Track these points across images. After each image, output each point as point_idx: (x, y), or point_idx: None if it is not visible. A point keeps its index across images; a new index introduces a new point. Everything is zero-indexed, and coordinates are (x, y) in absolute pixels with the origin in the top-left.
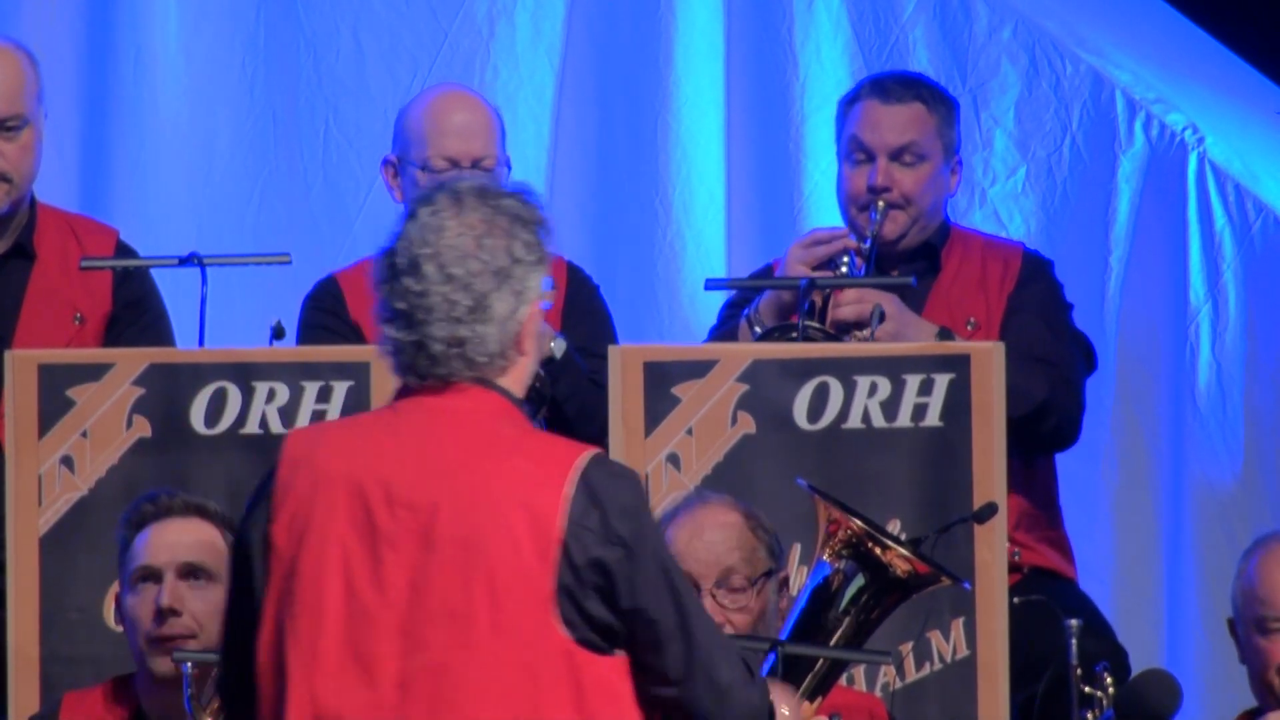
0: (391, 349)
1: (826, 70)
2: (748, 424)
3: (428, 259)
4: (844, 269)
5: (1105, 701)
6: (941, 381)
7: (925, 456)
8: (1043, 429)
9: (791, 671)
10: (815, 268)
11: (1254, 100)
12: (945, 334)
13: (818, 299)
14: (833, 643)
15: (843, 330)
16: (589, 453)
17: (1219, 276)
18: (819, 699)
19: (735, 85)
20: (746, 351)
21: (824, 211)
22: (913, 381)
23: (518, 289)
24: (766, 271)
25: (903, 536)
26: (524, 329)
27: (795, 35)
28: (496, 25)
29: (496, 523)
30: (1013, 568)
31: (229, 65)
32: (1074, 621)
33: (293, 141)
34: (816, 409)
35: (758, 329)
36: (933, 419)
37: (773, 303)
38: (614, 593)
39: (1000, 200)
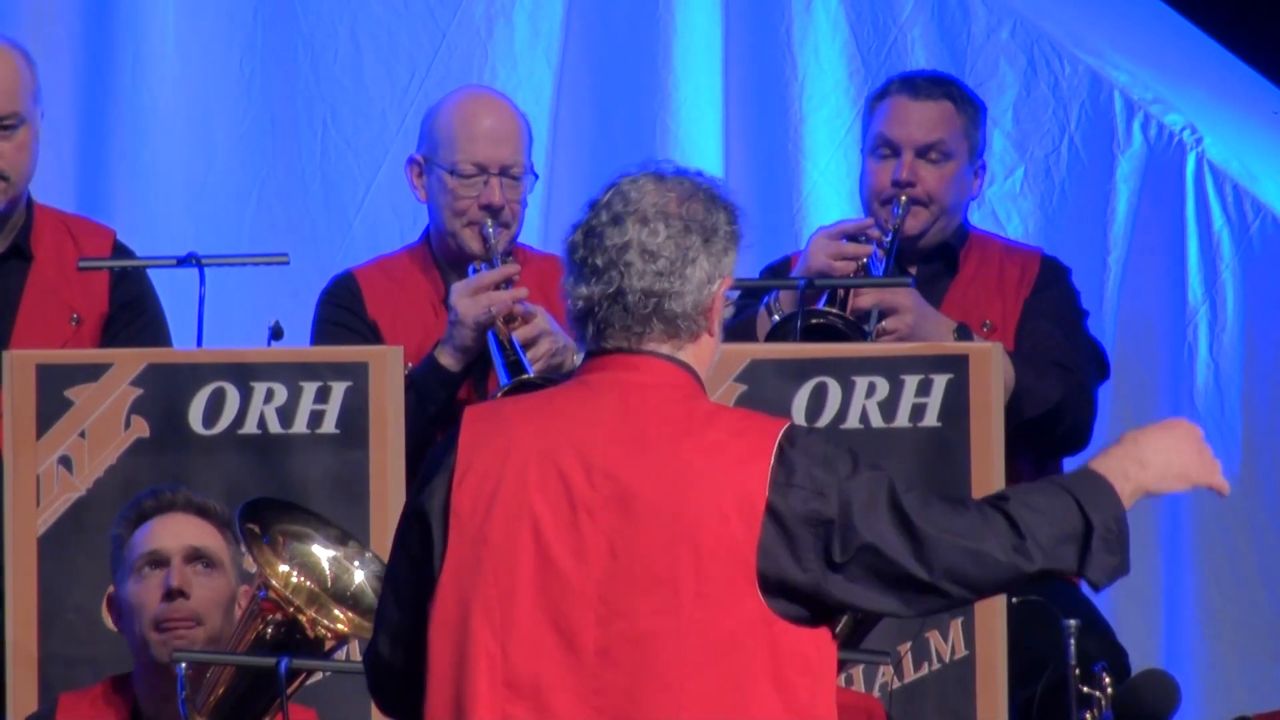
0: (582, 309)
1: (825, 70)
2: None
3: (629, 215)
4: (864, 262)
5: (1104, 702)
6: (940, 382)
7: (923, 457)
8: (1056, 432)
9: None
10: (837, 259)
11: (1252, 100)
12: (963, 330)
13: (840, 290)
14: None
15: (862, 319)
16: (786, 423)
17: (1217, 277)
18: None
19: (733, 86)
20: (744, 352)
21: (822, 212)
22: (911, 382)
23: (715, 255)
24: (784, 264)
25: None
26: (714, 303)
27: (793, 35)
28: (494, 26)
29: (700, 494)
30: None
31: (227, 65)
32: (1072, 621)
33: (290, 142)
34: (815, 409)
35: (777, 316)
36: (931, 419)
37: (793, 290)
38: (831, 543)
39: (998, 200)
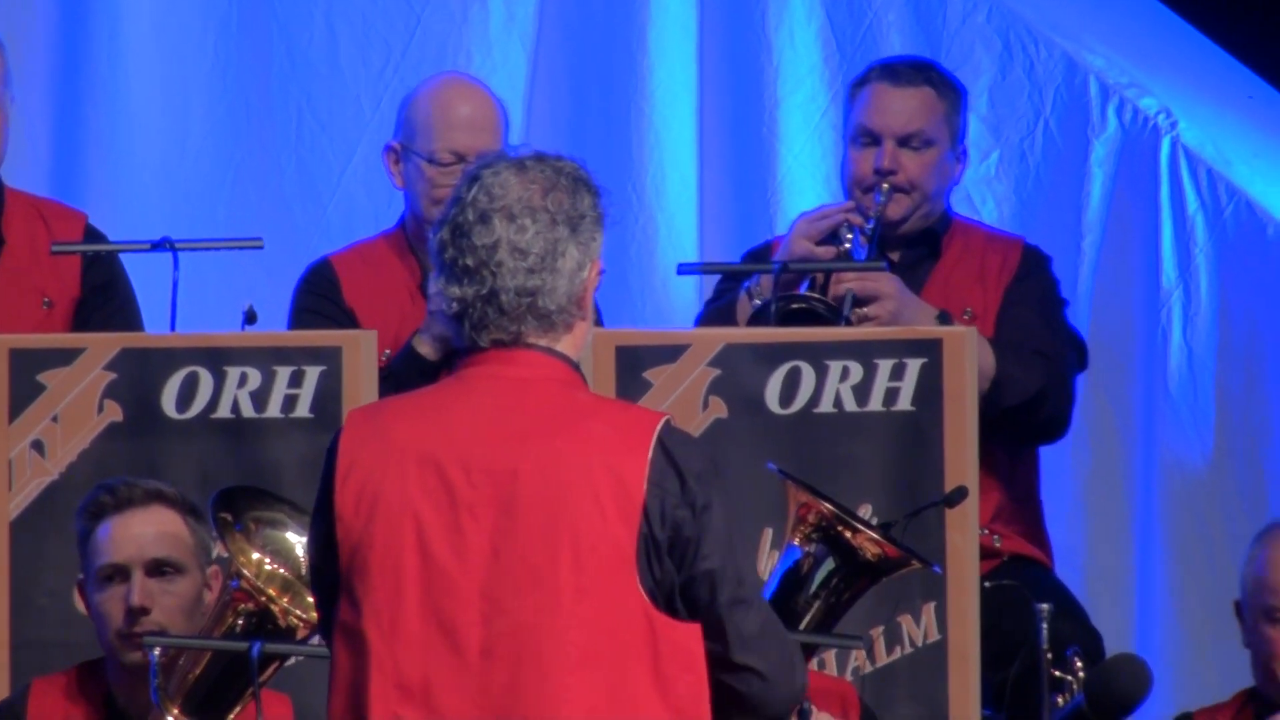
0: (457, 310)
1: (800, 55)
2: (719, 408)
3: (496, 212)
4: (847, 245)
5: (1076, 686)
6: (914, 366)
7: (897, 441)
8: (1036, 420)
9: None
10: (819, 242)
11: (1227, 85)
12: (945, 318)
13: (819, 279)
14: (803, 627)
15: (841, 304)
16: (663, 418)
17: (1191, 261)
18: None
19: (708, 70)
20: (718, 336)
21: (797, 196)
22: (885, 366)
23: (583, 243)
24: (766, 249)
25: (874, 521)
26: (587, 288)
27: (768, 20)
28: (470, 10)
29: (579, 487)
30: (992, 553)
31: (202, 50)
32: (1045, 606)
33: (265, 126)
34: (788, 393)
35: (758, 301)
36: (904, 404)
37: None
38: (685, 555)
39: (973, 185)
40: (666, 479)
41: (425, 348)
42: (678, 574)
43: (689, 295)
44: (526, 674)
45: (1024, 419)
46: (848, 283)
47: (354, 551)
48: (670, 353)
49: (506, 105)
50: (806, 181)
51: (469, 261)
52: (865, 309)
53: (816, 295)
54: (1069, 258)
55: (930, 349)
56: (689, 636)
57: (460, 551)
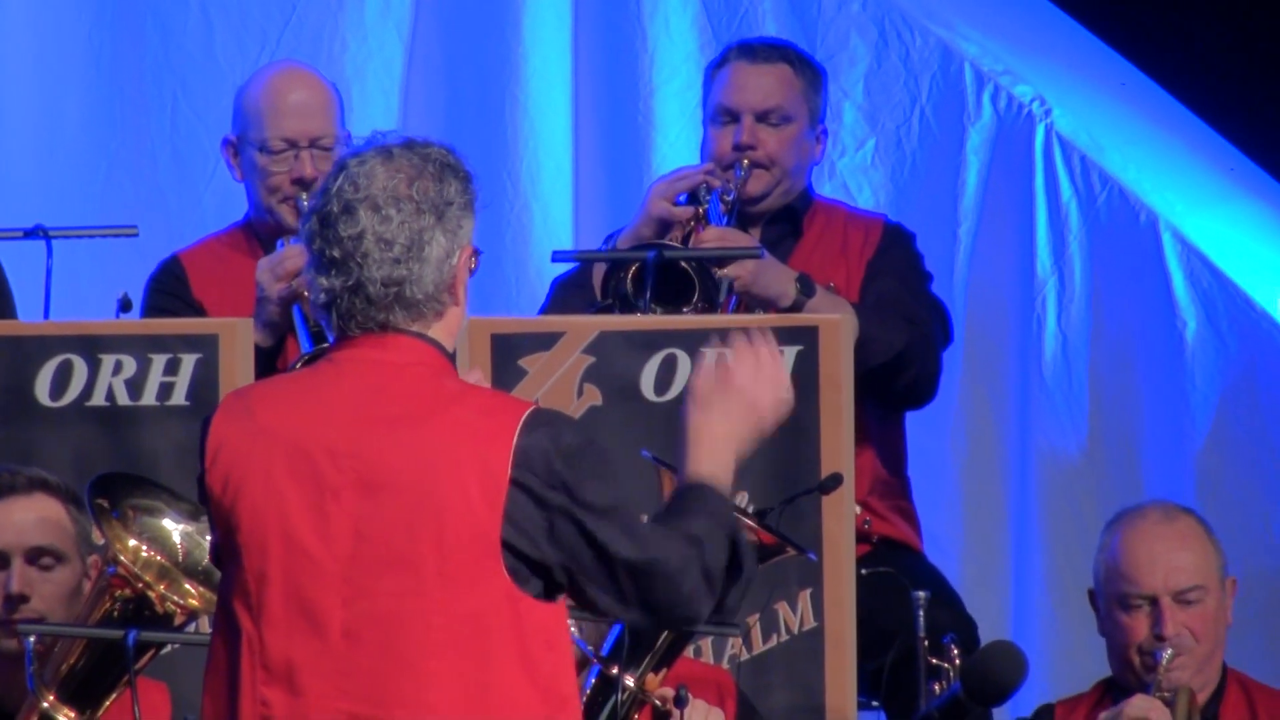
0: (325, 300)
1: (675, 42)
2: (594, 396)
3: (360, 203)
4: (704, 206)
5: (952, 673)
6: (789, 354)
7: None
8: (900, 382)
9: (638, 643)
10: (676, 202)
11: (1101, 72)
12: (805, 281)
13: (678, 235)
14: None
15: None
16: (531, 404)
17: (1065, 248)
18: (664, 671)
19: (583, 58)
20: (593, 324)
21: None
22: None
23: (451, 230)
24: (611, 241)
25: (749, 508)
26: (457, 274)
27: (643, 7)
28: None
29: (444, 471)
30: (862, 537)
31: (76, 37)
32: (921, 593)
33: (140, 115)
34: (663, 381)
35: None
36: None
37: (632, 238)
38: (554, 532)
39: (849, 172)
40: (533, 461)
41: (257, 335)
42: (553, 553)
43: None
44: (390, 658)
45: (889, 380)
46: (709, 242)
47: (225, 532)
48: (545, 340)
49: (385, 93)
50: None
51: (335, 253)
52: (726, 269)
53: (678, 245)
54: (945, 245)
55: (806, 336)
56: (551, 616)
57: (323, 534)
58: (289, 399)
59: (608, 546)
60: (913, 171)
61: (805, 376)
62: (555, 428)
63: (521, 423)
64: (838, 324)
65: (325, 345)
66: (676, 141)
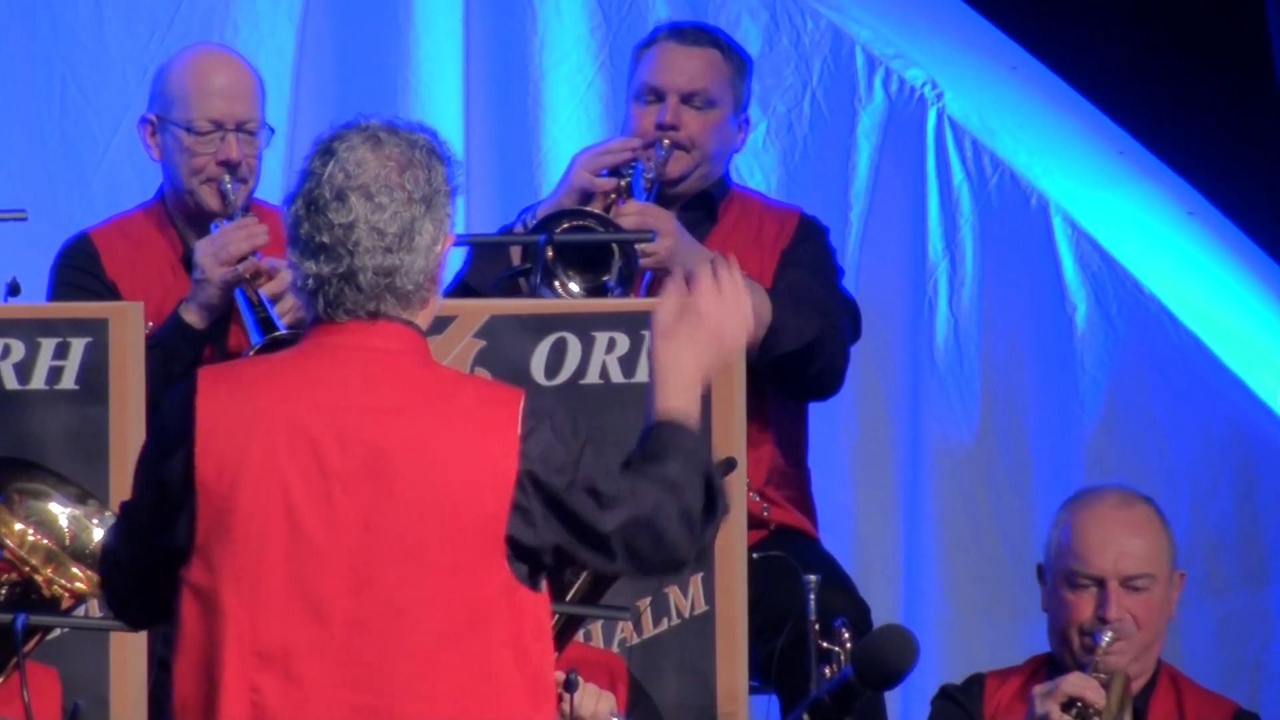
0: (314, 286)
1: (565, 26)
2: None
3: (354, 190)
4: (626, 180)
5: (843, 657)
6: None
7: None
8: (809, 370)
9: None
10: (599, 175)
11: (992, 55)
12: (720, 261)
13: (599, 206)
14: (570, 598)
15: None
16: (522, 391)
17: (956, 232)
18: (556, 655)
19: (474, 42)
20: (484, 307)
21: (563, 168)
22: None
23: (438, 218)
24: (510, 231)
25: None
26: (440, 262)
27: None
28: None
29: (452, 463)
30: (759, 524)
31: None
32: (813, 577)
33: (29, 98)
34: (554, 364)
35: (531, 219)
36: None
37: (553, 207)
38: (553, 516)
39: (741, 156)
40: (536, 448)
41: (193, 316)
42: (553, 535)
43: (455, 266)
44: (396, 649)
45: (799, 369)
46: (628, 216)
47: (216, 516)
48: (436, 324)
49: (277, 77)
50: (571, 153)
51: (325, 239)
52: (644, 246)
53: (595, 210)
54: (836, 229)
55: None
56: (540, 606)
57: (330, 522)
58: (283, 382)
59: (600, 517)
60: (804, 155)
61: None
62: (550, 413)
63: (522, 412)
64: None
65: (278, 334)
66: (567, 125)
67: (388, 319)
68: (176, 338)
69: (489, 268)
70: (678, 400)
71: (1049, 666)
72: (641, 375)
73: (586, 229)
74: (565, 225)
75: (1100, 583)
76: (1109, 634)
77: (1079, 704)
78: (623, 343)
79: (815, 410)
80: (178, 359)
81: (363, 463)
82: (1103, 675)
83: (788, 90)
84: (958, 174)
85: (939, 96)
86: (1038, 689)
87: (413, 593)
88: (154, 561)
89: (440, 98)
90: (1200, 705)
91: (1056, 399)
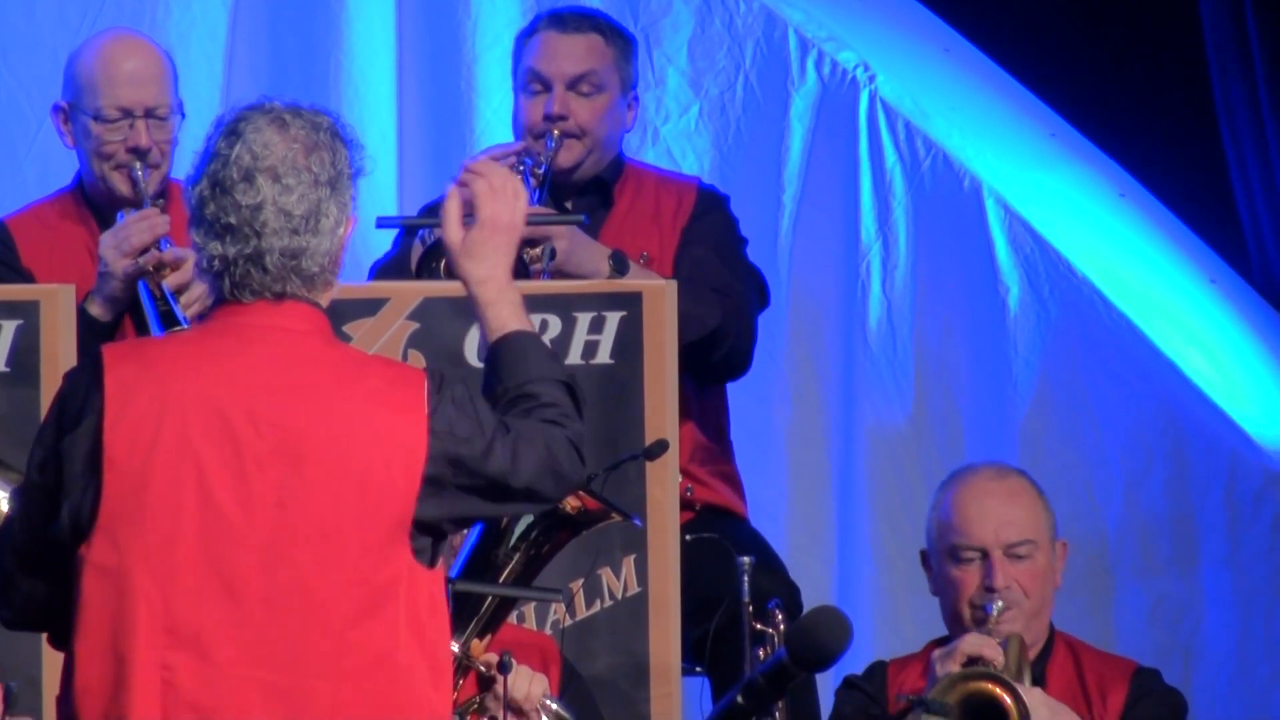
0: (219, 267)
1: (498, 9)
2: (419, 362)
3: (261, 172)
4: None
5: (777, 639)
6: (613, 320)
7: (596, 394)
8: (714, 357)
9: (461, 609)
10: None
11: (924, 38)
12: (618, 257)
13: None
14: (503, 580)
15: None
16: (424, 372)
17: (889, 214)
18: (489, 637)
19: (407, 25)
20: (418, 289)
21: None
22: (584, 319)
23: (342, 201)
24: (439, 205)
25: None
26: (343, 244)
27: None
28: None
29: (364, 444)
30: (685, 504)
31: None
32: (746, 559)
33: None
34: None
35: (430, 235)
36: (604, 357)
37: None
38: (457, 489)
39: (673, 138)
40: (439, 423)
41: (97, 309)
42: (457, 505)
43: (387, 249)
44: (307, 627)
45: (704, 356)
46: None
47: (125, 494)
48: (370, 306)
49: (209, 59)
50: (504, 136)
51: (232, 220)
52: (536, 250)
53: None
54: (769, 211)
55: (630, 302)
56: (434, 582)
57: (244, 502)
58: (193, 361)
59: (510, 474)
60: (737, 138)
61: (629, 343)
62: (449, 387)
63: (427, 391)
64: (662, 290)
65: (180, 328)
66: (500, 108)
67: (294, 299)
68: (82, 330)
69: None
70: (509, 312)
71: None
72: (574, 357)
73: None
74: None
75: (984, 554)
76: (999, 603)
77: (979, 663)
78: (555, 325)
79: (748, 392)
80: (84, 352)
81: (276, 442)
82: (998, 640)
83: (720, 73)
84: (890, 156)
85: (871, 79)
86: (936, 653)
87: (324, 572)
88: (45, 543)
89: (373, 80)
90: (1099, 667)
91: (989, 381)
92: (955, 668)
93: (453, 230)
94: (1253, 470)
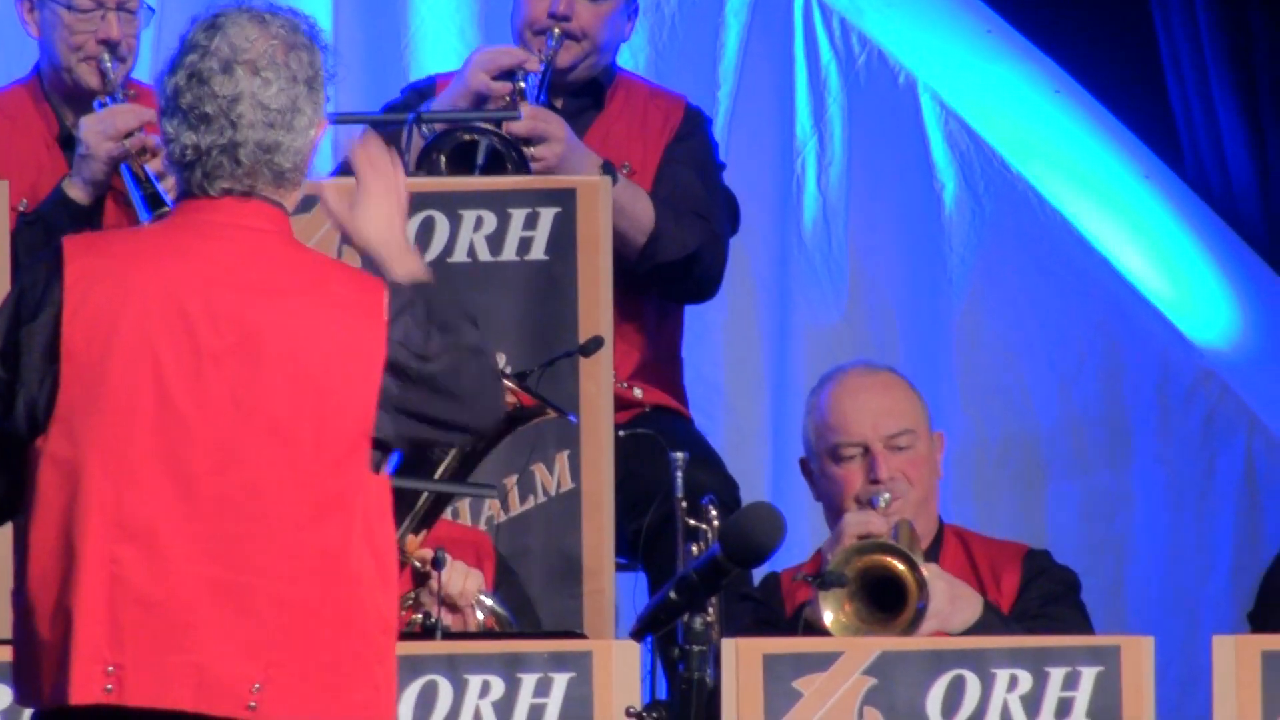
0: (191, 157)
1: None
2: (353, 260)
3: (242, 63)
4: (522, 85)
5: (711, 534)
6: (547, 215)
7: (531, 291)
8: (689, 279)
9: (397, 505)
10: (496, 77)
11: None
12: (608, 168)
13: (496, 107)
14: (438, 476)
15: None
16: (383, 280)
17: (825, 111)
18: (424, 533)
19: None
20: (351, 187)
21: (431, 47)
22: (518, 215)
23: (316, 102)
24: (431, 86)
25: (509, 370)
26: (314, 146)
27: None
28: None
29: (325, 348)
30: (633, 404)
31: None
32: (680, 455)
33: None
34: (422, 242)
35: (428, 130)
36: (538, 253)
37: (446, 107)
38: (411, 402)
39: None
40: (395, 332)
41: (77, 192)
42: (409, 421)
43: (323, 148)
44: (257, 527)
45: (679, 276)
46: (519, 125)
47: (83, 386)
48: (303, 203)
49: None
50: (441, 33)
51: (208, 109)
52: (533, 149)
53: (492, 128)
54: (704, 108)
55: (564, 198)
56: (383, 487)
57: (200, 399)
58: (155, 256)
59: (449, 397)
60: (671, 34)
61: (563, 239)
62: (408, 294)
63: (387, 299)
64: (596, 185)
65: (166, 210)
66: (435, 5)
67: (260, 198)
68: (59, 213)
69: None
70: (406, 266)
71: None
72: (509, 254)
73: (476, 142)
74: (468, 138)
75: (865, 449)
76: (885, 495)
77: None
78: (489, 221)
79: None
80: (59, 234)
81: (235, 341)
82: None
83: None
84: (826, 53)
85: None
86: (825, 544)
87: (278, 473)
88: (1, 436)
89: None
90: (990, 552)
91: (924, 278)
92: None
93: (333, 201)
94: (1185, 367)
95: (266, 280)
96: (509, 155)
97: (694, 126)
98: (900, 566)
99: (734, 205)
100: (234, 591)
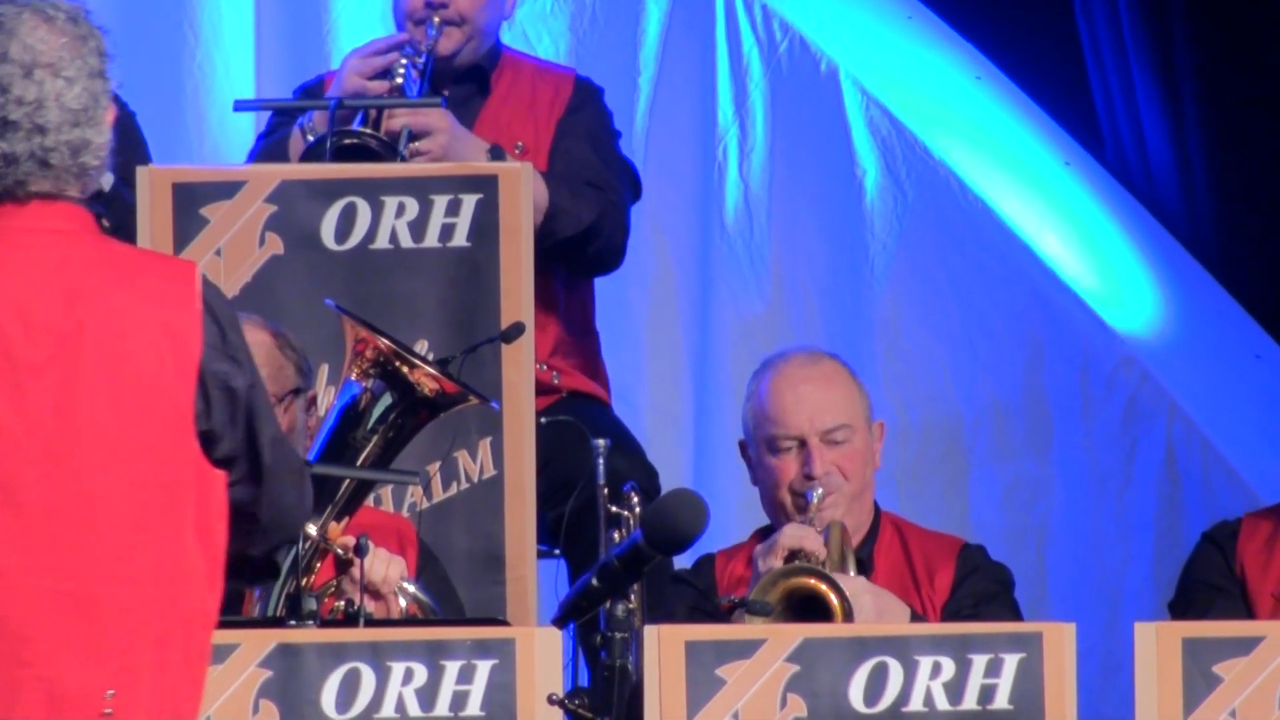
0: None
1: None
2: (276, 245)
3: (41, 66)
4: (399, 80)
5: (633, 521)
6: (469, 202)
7: (453, 277)
8: (589, 251)
9: (319, 492)
10: (372, 78)
11: None
12: (496, 151)
13: (373, 111)
14: (360, 463)
15: (395, 139)
16: (195, 266)
17: (746, 97)
18: (346, 519)
19: None
20: (275, 172)
21: (353, 33)
22: (440, 202)
23: (107, 88)
24: (319, 84)
25: (431, 356)
26: (109, 136)
27: None
28: None
29: (141, 344)
30: (551, 389)
31: None
32: (601, 441)
33: None
34: (344, 229)
35: (311, 137)
36: (460, 239)
37: (325, 111)
38: (228, 405)
39: (529, 21)
40: (211, 331)
41: None
42: (222, 425)
43: (245, 132)
44: (91, 534)
45: (578, 250)
46: (401, 118)
47: None
48: (227, 189)
49: None
50: (362, 19)
51: (13, 115)
52: (417, 144)
53: (370, 130)
54: (625, 95)
55: (486, 185)
56: (221, 484)
57: (21, 410)
58: None
59: (256, 421)
60: (592, 20)
61: (485, 226)
62: (221, 296)
63: (197, 288)
64: (517, 173)
65: None
66: None
67: (66, 199)
68: None
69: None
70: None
71: (768, 536)
72: (431, 240)
73: (363, 147)
74: (347, 142)
75: (801, 442)
76: (819, 489)
77: (800, 555)
78: (412, 207)
79: (605, 277)
80: None
81: (53, 349)
82: (818, 529)
83: None
84: (748, 39)
85: None
86: (758, 548)
87: (106, 478)
88: None
89: None
90: (925, 546)
91: (846, 265)
92: (777, 563)
93: None
94: (1106, 353)
95: (80, 281)
96: (387, 156)
97: (585, 98)
98: (823, 588)
99: (633, 173)
100: (74, 601)
